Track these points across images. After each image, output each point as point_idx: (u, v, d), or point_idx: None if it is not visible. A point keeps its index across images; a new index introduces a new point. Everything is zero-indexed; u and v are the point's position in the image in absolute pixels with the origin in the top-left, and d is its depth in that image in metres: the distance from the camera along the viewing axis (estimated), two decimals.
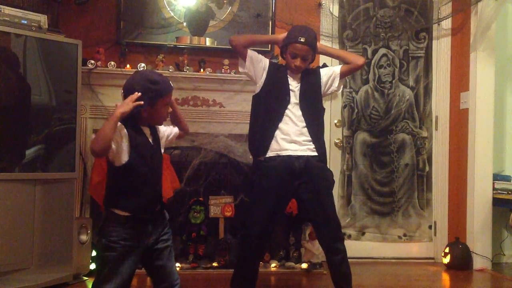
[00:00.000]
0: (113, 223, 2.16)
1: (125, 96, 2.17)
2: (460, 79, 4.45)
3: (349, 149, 4.46)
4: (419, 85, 4.53)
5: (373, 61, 4.48)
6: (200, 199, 3.99)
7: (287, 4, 4.26)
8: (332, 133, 4.37)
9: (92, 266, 3.59)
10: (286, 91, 2.91)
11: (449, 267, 4.21)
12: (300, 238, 4.07)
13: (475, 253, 4.21)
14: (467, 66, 4.35)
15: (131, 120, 2.18)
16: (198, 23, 4.02)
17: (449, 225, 4.46)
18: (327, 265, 3.01)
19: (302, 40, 2.86)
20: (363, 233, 4.47)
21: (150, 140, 2.24)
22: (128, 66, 3.89)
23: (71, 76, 3.43)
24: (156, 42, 4.07)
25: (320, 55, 3.89)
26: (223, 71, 3.99)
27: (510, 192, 4.22)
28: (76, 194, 3.64)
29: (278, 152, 2.86)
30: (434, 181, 4.52)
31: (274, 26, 4.19)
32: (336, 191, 4.36)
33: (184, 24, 4.08)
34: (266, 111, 2.92)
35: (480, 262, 4.20)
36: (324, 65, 3.57)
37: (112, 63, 3.83)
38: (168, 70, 3.86)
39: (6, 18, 3.16)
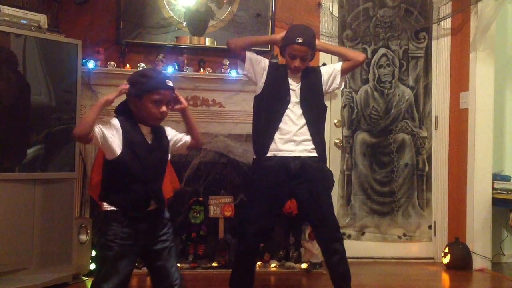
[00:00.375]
0: (110, 222, 2.17)
1: None
2: (460, 79, 4.45)
3: (349, 149, 4.46)
4: (419, 85, 4.53)
5: (372, 61, 4.48)
6: (200, 199, 3.99)
7: (287, 4, 4.26)
8: (332, 133, 4.37)
9: (92, 266, 3.59)
10: (287, 90, 2.91)
11: (448, 267, 4.21)
12: (300, 238, 4.07)
13: (475, 253, 4.21)
14: (467, 66, 4.35)
15: (129, 117, 2.20)
16: (198, 23, 4.03)
17: (449, 225, 4.47)
18: (325, 266, 3.01)
19: (300, 41, 2.85)
20: (363, 233, 4.47)
21: (149, 139, 2.23)
22: (127, 66, 3.89)
23: (70, 76, 3.43)
24: (156, 42, 4.07)
25: (320, 54, 3.92)
26: (222, 71, 3.99)
27: (510, 192, 4.22)
28: (75, 194, 3.64)
29: (275, 153, 2.87)
30: (434, 181, 4.52)
31: (273, 26, 4.19)
32: (336, 191, 4.36)
33: (184, 24, 4.08)
34: (267, 111, 2.92)
35: (480, 262, 4.20)
36: (324, 65, 3.57)
37: (112, 63, 3.83)
38: (168, 70, 3.85)
39: (6, 18, 3.16)
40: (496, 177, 4.32)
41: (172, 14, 4.11)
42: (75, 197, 3.64)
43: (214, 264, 3.90)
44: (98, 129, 2.12)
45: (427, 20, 4.50)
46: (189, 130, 2.37)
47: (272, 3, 4.22)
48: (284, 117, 2.88)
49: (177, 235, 3.88)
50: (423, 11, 4.51)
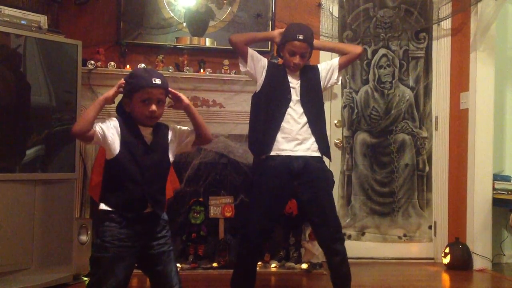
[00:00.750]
0: (107, 223, 2.15)
1: None
2: (460, 79, 4.45)
3: (349, 150, 4.46)
4: (419, 85, 4.53)
5: (373, 62, 4.48)
6: (200, 199, 3.99)
7: (287, 4, 4.26)
8: (332, 134, 4.37)
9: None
10: (287, 89, 2.91)
11: (449, 267, 4.21)
12: (300, 239, 4.07)
13: (475, 253, 4.21)
14: (467, 66, 4.35)
15: (129, 118, 2.20)
16: (198, 23, 4.03)
17: (449, 225, 4.46)
18: (327, 266, 3.00)
19: (301, 37, 2.85)
20: (363, 233, 4.47)
21: (148, 140, 2.21)
22: (128, 66, 3.89)
23: (71, 76, 3.43)
24: (156, 43, 4.08)
25: (320, 54, 3.92)
26: (223, 72, 3.99)
27: (510, 192, 4.22)
28: (76, 195, 3.64)
29: (278, 152, 2.86)
30: (434, 181, 4.52)
31: (274, 26, 4.19)
32: (336, 191, 4.36)
33: (184, 24, 4.09)
34: (267, 110, 2.91)
35: (480, 262, 4.20)
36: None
37: (112, 63, 3.83)
38: (168, 71, 3.86)
39: (6, 19, 3.16)
40: (496, 177, 4.32)
41: (172, 14, 4.11)
42: (76, 197, 3.63)
43: (214, 264, 3.90)
44: (99, 127, 2.11)
45: (427, 21, 4.50)
46: (194, 127, 2.31)
47: (272, 4, 4.22)
48: (286, 116, 2.88)
49: (177, 236, 3.89)
50: (423, 12, 4.51)
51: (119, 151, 2.14)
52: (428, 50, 4.54)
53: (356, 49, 3.07)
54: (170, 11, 4.11)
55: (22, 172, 3.23)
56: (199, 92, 3.97)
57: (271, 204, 2.87)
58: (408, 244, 4.50)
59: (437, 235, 4.49)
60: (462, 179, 4.38)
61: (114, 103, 2.23)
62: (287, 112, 2.88)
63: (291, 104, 2.89)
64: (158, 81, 2.17)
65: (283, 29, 3.00)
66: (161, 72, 3.69)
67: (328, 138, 3.10)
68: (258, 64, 2.96)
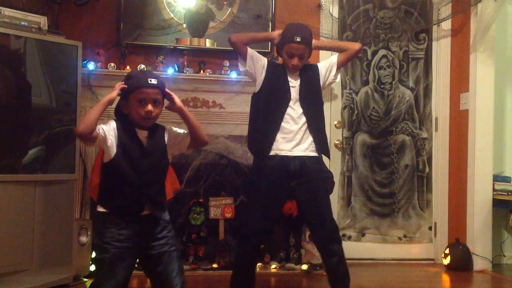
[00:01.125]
0: (107, 224, 2.16)
1: None
2: (460, 80, 4.45)
3: (349, 150, 4.46)
4: (419, 86, 4.53)
5: (373, 62, 4.48)
6: (200, 200, 3.99)
7: (287, 5, 4.26)
8: (332, 135, 4.37)
9: (92, 267, 3.59)
10: (287, 88, 2.91)
11: (449, 268, 4.21)
12: (300, 239, 4.07)
13: (475, 254, 4.21)
14: (467, 67, 4.35)
15: (126, 120, 2.20)
16: (198, 24, 4.03)
17: (449, 226, 4.46)
18: (324, 268, 3.00)
19: (298, 39, 2.85)
20: (363, 234, 4.46)
21: (145, 142, 2.21)
22: (128, 67, 3.89)
23: (71, 77, 3.43)
24: (156, 44, 4.07)
25: (320, 54, 3.92)
26: (223, 72, 3.99)
27: (510, 193, 4.22)
28: (76, 196, 3.63)
29: (277, 152, 2.87)
30: (434, 182, 4.52)
31: (274, 27, 4.18)
32: (336, 192, 4.36)
33: (184, 25, 4.09)
34: (267, 110, 2.91)
35: (480, 263, 4.20)
36: None
37: (112, 64, 3.83)
38: (168, 72, 3.86)
39: (6, 20, 3.16)
40: (497, 178, 4.32)
41: (172, 15, 4.11)
42: (76, 198, 3.63)
43: (215, 265, 3.90)
44: (100, 129, 2.12)
45: (427, 22, 4.50)
46: (189, 129, 2.31)
47: (272, 5, 4.22)
48: (286, 116, 2.88)
49: (177, 237, 3.86)
50: (423, 13, 4.51)
51: (116, 154, 2.15)
52: (428, 51, 4.54)
53: (354, 45, 3.07)
54: (170, 12, 4.11)
55: (22, 173, 3.23)
56: (199, 93, 3.97)
57: (269, 204, 2.87)
58: (408, 245, 4.50)
59: (437, 236, 4.49)
60: (462, 180, 4.38)
61: (112, 104, 2.22)
62: (286, 112, 2.88)
63: (290, 103, 2.90)
64: (153, 81, 2.17)
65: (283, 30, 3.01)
66: (161, 73, 3.75)
67: (328, 139, 3.10)
68: (257, 64, 2.96)
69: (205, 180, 4.06)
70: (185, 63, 3.98)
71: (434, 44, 4.53)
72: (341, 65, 3.06)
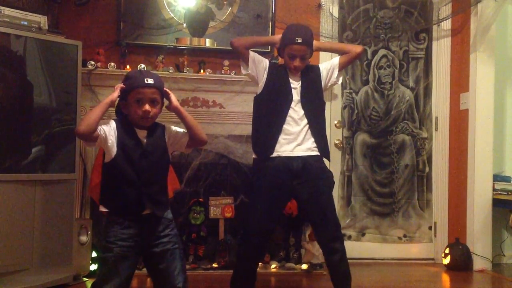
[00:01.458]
0: (110, 224, 2.18)
1: None
2: (460, 80, 4.45)
3: (349, 150, 4.46)
4: (419, 86, 4.53)
5: (373, 62, 4.48)
6: (200, 200, 3.99)
7: (287, 5, 4.26)
8: (332, 134, 4.37)
9: (92, 267, 3.59)
10: (288, 90, 2.92)
11: (449, 268, 4.21)
12: (300, 239, 4.07)
13: (475, 254, 4.21)
14: (467, 67, 4.35)
15: (125, 120, 2.21)
16: (198, 24, 4.03)
17: (449, 226, 4.46)
18: (326, 266, 3.00)
19: (299, 40, 2.85)
20: (363, 234, 4.47)
21: (145, 142, 2.22)
22: (128, 67, 3.89)
23: (71, 77, 3.43)
24: (156, 43, 4.08)
25: (320, 55, 3.92)
26: (223, 72, 3.99)
27: (510, 193, 4.22)
28: (76, 195, 3.63)
29: (279, 153, 2.87)
30: (434, 182, 4.52)
31: (274, 27, 4.19)
32: (336, 192, 4.36)
33: (184, 25, 4.09)
34: (269, 111, 2.92)
35: (480, 263, 4.20)
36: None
37: (112, 64, 3.83)
38: (168, 71, 3.86)
39: (6, 19, 3.16)
40: (496, 178, 4.32)
41: (172, 15, 4.12)
42: (76, 198, 3.63)
43: (215, 265, 3.90)
44: (101, 129, 2.13)
45: (427, 21, 4.50)
46: (186, 129, 2.31)
47: (272, 4, 4.22)
48: (287, 118, 2.89)
49: (179, 237, 3.88)
50: (423, 12, 4.51)
51: (116, 154, 2.16)
52: (428, 51, 4.54)
53: (357, 48, 3.07)
54: (170, 12, 4.11)
55: (22, 172, 3.23)
56: (199, 93, 3.97)
57: (271, 204, 2.88)
58: (408, 245, 4.50)
59: (437, 235, 4.49)
60: (462, 179, 4.38)
61: (114, 105, 2.23)
62: (288, 113, 2.89)
63: (292, 105, 2.90)
64: (150, 81, 2.18)
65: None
66: (161, 72, 3.75)
67: (328, 138, 3.11)
68: (259, 66, 2.97)
69: (205, 179, 4.06)
70: (185, 62, 3.98)
71: (434, 44, 4.53)
72: (342, 67, 3.06)
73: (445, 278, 4.10)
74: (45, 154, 3.31)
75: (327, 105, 4.11)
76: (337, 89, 4.40)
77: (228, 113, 4.01)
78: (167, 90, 2.27)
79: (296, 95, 2.91)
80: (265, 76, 2.96)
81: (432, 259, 4.50)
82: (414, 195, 4.52)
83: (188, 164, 3.98)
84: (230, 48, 3.06)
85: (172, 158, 3.92)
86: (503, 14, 4.45)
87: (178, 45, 4.08)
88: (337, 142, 4.41)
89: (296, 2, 4.28)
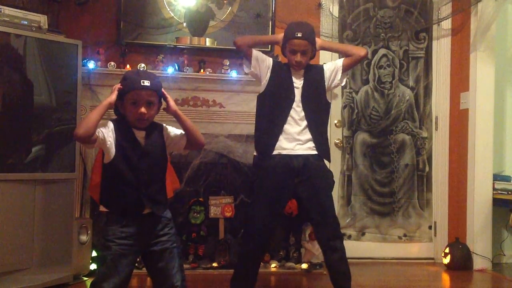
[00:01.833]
0: (109, 223, 2.19)
1: None
2: (460, 79, 4.45)
3: (349, 150, 4.46)
4: (419, 85, 4.53)
5: (373, 62, 4.48)
6: (200, 199, 3.99)
7: (287, 4, 4.26)
8: (332, 134, 4.37)
9: (92, 266, 3.59)
10: (291, 89, 2.93)
11: (449, 267, 4.21)
12: (300, 239, 4.07)
13: (475, 254, 4.21)
14: (467, 66, 4.35)
15: (123, 120, 2.21)
16: (198, 23, 4.03)
17: (449, 225, 4.46)
18: (325, 265, 3.00)
19: (299, 35, 2.86)
20: (363, 233, 4.47)
21: (142, 142, 2.22)
22: (128, 66, 3.89)
23: (71, 76, 3.43)
24: (156, 43, 4.07)
25: (321, 54, 3.92)
26: (223, 72, 3.99)
27: (510, 192, 4.22)
28: (76, 195, 3.64)
29: (280, 151, 2.88)
30: (434, 182, 4.52)
31: (274, 26, 4.19)
32: (336, 191, 4.36)
33: (184, 24, 4.08)
34: (271, 110, 2.93)
35: (480, 262, 4.20)
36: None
37: (112, 63, 3.83)
38: (168, 71, 3.86)
39: (6, 19, 3.16)
40: (497, 177, 4.32)
41: (172, 14, 4.11)
42: (76, 197, 3.64)
43: (215, 264, 3.90)
44: (100, 131, 2.13)
45: (427, 21, 4.50)
46: (184, 132, 2.31)
47: (272, 4, 4.22)
48: (288, 118, 2.90)
49: (177, 236, 3.88)
50: (423, 12, 4.51)
51: (115, 155, 2.16)
52: (428, 50, 4.54)
53: (361, 51, 3.06)
54: (170, 11, 4.11)
55: (22, 172, 3.23)
56: (199, 92, 3.97)
57: (274, 202, 2.89)
58: (408, 244, 4.50)
59: (437, 235, 4.49)
60: (462, 179, 4.38)
61: (112, 107, 2.23)
62: (289, 114, 2.89)
63: (294, 105, 2.91)
64: (146, 83, 2.17)
65: None
66: (161, 72, 3.75)
67: (329, 138, 3.11)
68: (262, 65, 2.98)
69: (205, 179, 4.06)
70: (185, 62, 3.98)
71: (434, 43, 4.53)
72: (346, 69, 3.06)
73: (445, 277, 4.10)
74: (45, 154, 3.31)
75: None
76: (337, 89, 4.37)
77: (228, 113, 4.01)
78: (166, 94, 2.26)
79: (298, 95, 2.92)
80: (268, 74, 2.97)
81: (432, 258, 4.50)
82: (414, 195, 4.52)
83: (188, 163, 3.98)
84: (230, 47, 3.07)
85: (172, 157, 3.93)
86: (503, 13, 4.45)
87: (178, 44, 4.07)
88: (337, 141, 4.41)
89: (296, 2, 4.28)
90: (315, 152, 2.91)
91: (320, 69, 3.04)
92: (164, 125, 2.33)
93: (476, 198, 4.23)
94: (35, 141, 3.27)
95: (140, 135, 2.22)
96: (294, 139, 2.89)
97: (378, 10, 4.47)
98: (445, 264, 4.24)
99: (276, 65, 3.01)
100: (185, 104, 3.92)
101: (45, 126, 3.31)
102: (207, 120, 3.95)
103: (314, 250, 3.95)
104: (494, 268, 4.24)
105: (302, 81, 2.94)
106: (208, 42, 4.08)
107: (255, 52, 2.98)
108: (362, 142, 4.47)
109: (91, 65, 3.77)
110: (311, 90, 2.95)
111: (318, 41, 3.04)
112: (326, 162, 3.02)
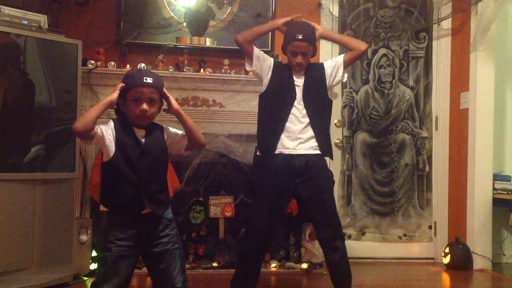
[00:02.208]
0: (109, 224, 2.18)
1: None
2: (460, 79, 4.45)
3: (349, 149, 4.46)
4: (419, 85, 4.53)
5: (373, 61, 4.48)
6: (200, 199, 3.99)
7: (287, 4, 4.26)
8: (332, 133, 4.35)
9: (92, 266, 3.59)
10: (292, 87, 2.93)
11: (449, 267, 4.21)
12: (300, 238, 4.07)
13: (475, 253, 4.21)
14: (467, 66, 4.35)
15: (124, 119, 2.21)
16: (198, 23, 4.03)
17: (449, 225, 4.46)
18: (326, 265, 3.00)
19: (300, 37, 2.87)
20: (363, 233, 4.47)
21: (143, 141, 2.21)
22: (128, 66, 3.89)
23: (71, 76, 3.43)
24: (156, 42, 4.08)
25: (320, 54, 3.92)
26: (223, 71, 3.99)
27: (510, 192, 4.22)
28: (76, 194, 3.64)
29: (282, 150, 2.88)
30: (434, 181, 4.52)
31: None
32: (336, 191, 4.36)
33: (184, 24, 4.09)
34: (273, 109, 2.93)
35: (480, 262, 4.20)
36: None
37: (112, 63, 3.83)
38: (168, 71, 3.86)
39: (6, 18, 3.16)
40: (497, 177, 4.32)
41: (172, 14, 4.11)
42: (76, 197, 3.63)
43: (215, 264, 3.90)
44: (98, 128, 2.12)
45: (428, 21, 4.50)
46: (186, 132, 2.32)
47: (273, 4, 4.22)
48: (290, 116, 2.90)
49: (179, 236, 3.88)
50: (424, 12, 4.51)
51: (114, 153, 2.15)
52: (428, 50, 4.54)
53: (361, 46, 3.05)
54: (170, 11, 4.11)
55: (22, 172, 3.23)
56: (199, 92, 3.97)
57: (275, 202, 2.89)
58: (408, 244, 4.50)
59: (437, 235, 4.49)
60: (462, 179, 4.38)
61: (113, 106, 2.22)
62: (291, 112, 2.89)
63: (295, 103, 2.91)
64: (149, 80, 2.17)
65: (287, 18, 3.02)
66: (161, 71, 3.75)
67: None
68: (264, 64, 2.98)
69: (205, 179, 4.06)
70: (185, 62, 3.97)
71: (434, 43, 4.53)
72: (347, 65, 3.06)
73: (445, 277, 4.10)
74: (45, 153, 3.31)
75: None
76: (337, 88, 4.39)
77: (228, 112, 4.01)
78: (167, 93, 2.26)
79: (299, 93, 2.92)
80: (270, 74, 2.97)
81: (432, 258, 4.50)
82: (414, 195, 4.52)
83: (188, 163, 3.97)
84: (231, 47, 3.07)
85: (172, 157, 3.93)
86: (503, 13, 4.45)
87: (178, 44, 4.08)
88: (337, 141, 4.41)
89: (296, 1, 4.28)
90: (316, 152, 2.91)
91: (321, 66, 3.04)
92: (165, 126, 2.33)
93: (476, 198, 4.23)
94: (35, 141, 3.27)
95: (140, 133, 2.22)
96: (296, 138, 2.88)
97: (378, 10, 4.47)
98: (445, 264, 4.25)
99: (277, 65, 3.02)
100: (185, 104, 3.92)
101: (45, 126, 3.31)
102: (207, 120, 3.95)
103: (314, 250, 3.95)
104: (494, 268, 4.24)
105: (303, 80, 2.95)
106: (208, 42, 4.08)
107: (257, 51, 2.99)
108: (362, 142, 4.47)
109: (91, 65, 3.76)
110: (312, 88, 2.95)
111: (319, 29, 3.03)
112: (327, 161, 3.02)
